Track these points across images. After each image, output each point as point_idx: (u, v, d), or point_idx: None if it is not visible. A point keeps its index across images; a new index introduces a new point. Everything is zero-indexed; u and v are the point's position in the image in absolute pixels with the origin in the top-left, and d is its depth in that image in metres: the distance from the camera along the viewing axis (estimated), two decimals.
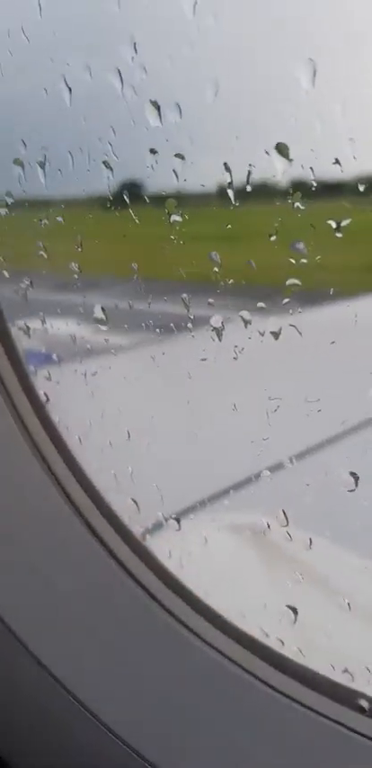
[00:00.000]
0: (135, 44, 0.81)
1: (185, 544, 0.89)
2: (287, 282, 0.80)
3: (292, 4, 0.85)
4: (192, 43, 0.79)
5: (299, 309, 0.82)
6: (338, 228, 0.80)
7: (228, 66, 0.83)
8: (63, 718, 0.66)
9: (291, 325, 0.81)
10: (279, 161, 0.83)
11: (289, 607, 0.80)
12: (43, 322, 0.88)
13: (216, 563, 1.04)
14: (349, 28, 0.86)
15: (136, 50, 0.83)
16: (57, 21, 0.91)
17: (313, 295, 0.81)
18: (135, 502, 0.83)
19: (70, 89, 0.87)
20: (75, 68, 0.85)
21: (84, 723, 0.63)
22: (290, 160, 0.81)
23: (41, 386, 0.86)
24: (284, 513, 0.85)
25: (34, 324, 0.87)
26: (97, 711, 0.63)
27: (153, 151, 0.85)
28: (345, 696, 0.70)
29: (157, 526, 0.86)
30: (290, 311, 0.81)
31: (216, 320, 0.82)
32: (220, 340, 0.83)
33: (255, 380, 0.94)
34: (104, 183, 0.86)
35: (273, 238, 0.82)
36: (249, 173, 0.83)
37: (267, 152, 0.82)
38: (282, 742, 0.66)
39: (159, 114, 0.85)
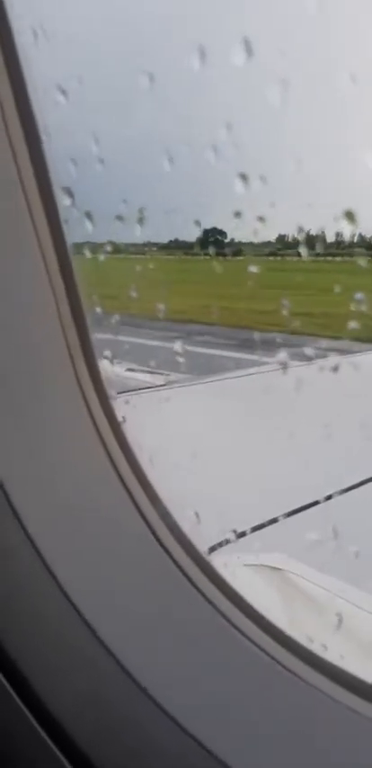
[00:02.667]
0: (229, 125, 0.97)
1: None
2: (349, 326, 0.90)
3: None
4: (278, 127, 0.93)
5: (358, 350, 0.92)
6: None
7: (308, 146, 0.97)
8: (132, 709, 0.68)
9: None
10: (346, 226, 0.95)
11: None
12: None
13: None
14: None
15: (230, 130, 0.98)
16: (161, 101, 1.08)
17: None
18: (196, 515, 0.92)
19: (171, 158, 1.02)
20: (174, 141, 1.01)
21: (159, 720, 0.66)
22: (356, 225, 0.94)
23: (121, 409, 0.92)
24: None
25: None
26: (170, 709, 0.67)
27: (237, 214, 0.99)
28: None
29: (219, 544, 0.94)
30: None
31: (282, 357, 0.92)
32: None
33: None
34: (192, 236, 0.99)
35: (337, 290, 0.93)
36: (315, 234, 0.95)
37: (334, 218, 0.95)
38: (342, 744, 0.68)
39: (245, 183, 0.99)
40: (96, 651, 0.70)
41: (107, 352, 1.04)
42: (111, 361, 1.05)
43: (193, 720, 0.66)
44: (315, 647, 0.82)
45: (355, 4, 1.15)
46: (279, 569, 1.21)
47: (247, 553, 1.26)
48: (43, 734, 0.68)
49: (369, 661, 1.07)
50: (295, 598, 1.16)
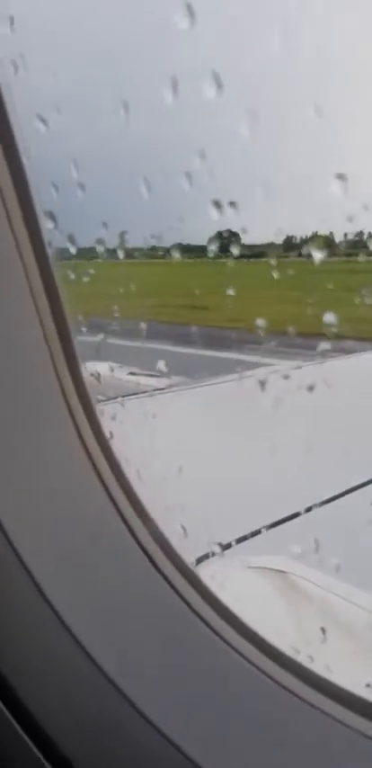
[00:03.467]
0: (203, 153, 1.01)
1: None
2: None
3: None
4: (248, 156, 0.98)
5: None
6: None
7: (277, 174, 1.02)
8: (114, 717, 0.69)
9: None
10: (315, 251, 1.01)
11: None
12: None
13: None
14: None
15: (204, 158, 1.02)
16: (137, 129, 1.12)
17: None
18: (183, 528, 0.94)
19: (149, 185, 1.06)
20: (152, 169, 1.04)
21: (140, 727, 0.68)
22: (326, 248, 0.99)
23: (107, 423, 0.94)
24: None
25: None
26: (151, 716, 0.68)
27: (211, 240, 1.03)
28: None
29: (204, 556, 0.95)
30: None
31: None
32: None
33: None
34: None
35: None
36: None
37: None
38: (317, 753, 0.69)
39: (219, 210, 1.04)
40: (82, 663, 0.70)
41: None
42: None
43: (179, 730, 0.67)
44: (302, 658, 0.83)
45: (319, 41, 1.21)
46: (283, 572, 1.23)
47: (251, 556, 1.28)
48: (29, 742, 0.68)
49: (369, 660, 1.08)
50: (298, 600, 1.18)
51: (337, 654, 1.03)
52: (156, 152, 1.11)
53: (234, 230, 1.11)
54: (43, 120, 0.92)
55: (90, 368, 1.03)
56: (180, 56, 1.06)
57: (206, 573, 0.96)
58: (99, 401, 0.88)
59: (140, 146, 1.12)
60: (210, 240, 1.08)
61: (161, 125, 1.14)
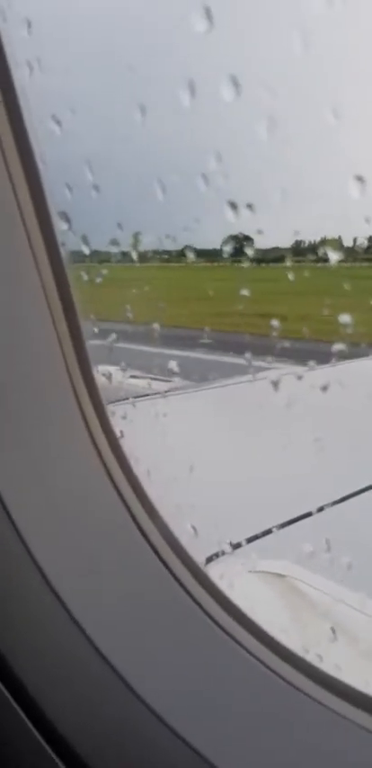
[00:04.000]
0: (219, 155, 1.01)
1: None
2: None
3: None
4: (265, 158, 0.98)
5: None
6: None
7: (294, 177, 1.01)
8: (128, 717, 0.69)
9: None
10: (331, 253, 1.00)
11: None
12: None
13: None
14: None
15: (220, 160, 1.02)
16: (153, 132, 1.12)
17: None
18: (193, 528, 0.94)
19: (163, 187, 1.06)
20: (166, 170, 1.04)
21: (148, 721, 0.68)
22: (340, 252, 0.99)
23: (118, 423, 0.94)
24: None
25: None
26: (162, 714, 0.68)
27: (226, 241, 1.02)
28: None
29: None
30: None
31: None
32: None
33: None
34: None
35: None
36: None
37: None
38: (321, 746, 0.69)
39: (235, 211, 1.03)
40: (94, 661, 0.71)
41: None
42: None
43: (190, 729, 0.67)
44: (311, 657, 0.83)
45: (338, 46, 1.21)
46: (283, 576, 1.23)
47: (251, 560, 1.27)
48: (42, 740, 0.68)
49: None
50: (299, 605, 1.17)
51: (340, 657, 1.02)
52: (172, 154, 1.11)
53: (247, 234, 1.11)
54: (58, 122, 0.93)
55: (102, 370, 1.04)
56: (197, 58, 1.06)
57: (215, 572, 0.96)
58: (111, 402, 0.88)
59: (156, 148, 1.12)
60: (224, 242, 1.08)
61: (177, 128, 1.14)
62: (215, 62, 1.06)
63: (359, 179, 1.05)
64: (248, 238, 1.09)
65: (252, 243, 1.08)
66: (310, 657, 0.84)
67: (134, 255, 1.06)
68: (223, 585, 0.86)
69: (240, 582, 1.11)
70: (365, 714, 0.72)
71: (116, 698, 0.70)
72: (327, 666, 0.82)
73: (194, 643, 0.80)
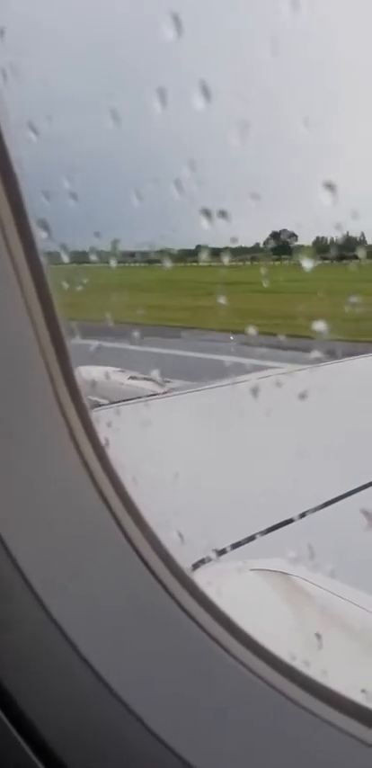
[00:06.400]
0: (192, 163, 1.02)
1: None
2: None
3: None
4: (238, 164, 0.99)
5: None
6: None
7: (267, 184, 1.03)
8: (112, 723, 0.69)
9: None
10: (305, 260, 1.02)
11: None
12: None
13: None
14: None
15: (193, 167, 1.03)
16: (127, 138, 1.12)
17: None
18: (180, 535, 0.94)
19: (139, 194, 1.07)
20: (143, 180, 1.05)
21: (131, 727, 0.68)
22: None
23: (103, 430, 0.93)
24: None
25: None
26: (144, 716, 0.68)
27: (201, 248, 1.03)
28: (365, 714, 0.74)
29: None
30: None
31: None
32: None
33: None
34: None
35: None
36: None
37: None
38: (308, 755, 0.70)
39: (209, 218, 1.04)
40: (77, 666, 0.70)
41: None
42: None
43: (174, 734, 0.67)
44: (297, 664, 0.82)
45: (306, 50, 1.23)
46: (286, 574, 1.23)
47: (252, 559, 1.28)
48: (23, 743, 0.68)
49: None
50: (301, 602, 1.18)
51: (339, 655, 1.03)
52: (147, 161, 1.12)
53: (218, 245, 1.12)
54: (34, 129, 0.93)
55: (85, 372, 1.02)
56: (169, 66, 1.07)
57: (202, 578, 0.96)
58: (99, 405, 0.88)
59: (131, 155, 1.12)
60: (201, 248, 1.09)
61: (151, 135, 1.15)
62: (185, 69, 1.07)
63: (329, 186, 1.08)
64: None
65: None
66: (297, 663, 0.84)
67: (113, 263, 1.06)
68: (210, 591, 0.86)
69: (240, 581, 1.12)
70: (351, 720, 0.72)
71: (99, 703, 0.70)
72: (314, 672, 0.80)
73: (180, 649, 0.80)
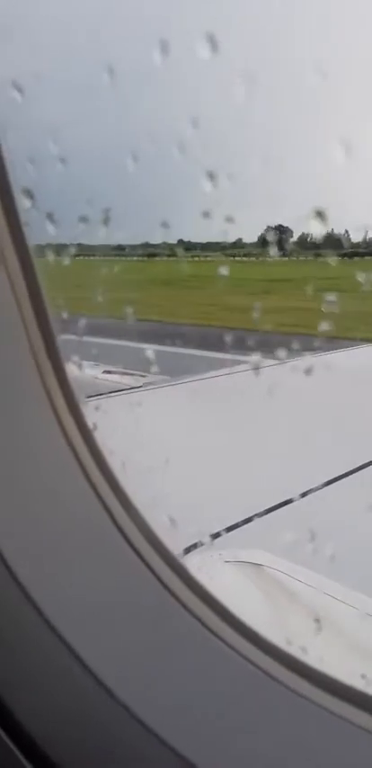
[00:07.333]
0: (195, 121, 0.93)
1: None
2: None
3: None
4: (245, 123, 0.91)
5: None
6: None
7: (277, 143, 0.94)
8: (106, 721, 0.69)
9: None
10: (317, 225, 0.93)
11: None
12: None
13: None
14: None
15: (196, 127, 0.94)
16: (123, 96, 1.04)
17: None
18: (171, 519, 0.90)
19: (135, 156, 0.98)
20: (138, 138, 0.97)
21: (128, 726, 0.66)
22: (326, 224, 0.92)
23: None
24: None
25: None
26: (135, 709, 0.67)
27: (206, 215, 0.95)
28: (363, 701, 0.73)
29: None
30: None
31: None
32: None
33: None
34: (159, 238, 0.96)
35: None
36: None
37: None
38: (307, 743, 0.68)
39: (213, 182, 0.96)
40: (66, 658, 0.68)
41: None
42: None
43: (168, 725, 0.66)
44: (293, 650, 0.81)
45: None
46: (260, 566, 1.20)
47: (227, 550, 1.24)
48: (8, 740, 0.66)
49: (351, 654, 1.06)
50: (276, 594, 1.15)
51: (319, 647, 1.00)
52: (144, 121, 1.03)
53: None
54: (19, 89, 0.85)
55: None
56: (169, 18, 0.98)
57: (193, 563, 0.94)
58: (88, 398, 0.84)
59: (127, 113, 1.04)
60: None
61: (149, 90, 1.06)
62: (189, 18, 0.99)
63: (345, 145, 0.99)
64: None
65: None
66: (292, 650, 0.82)
67: (103, 233, 0.99)
68: (201, 577, 0.83)
69: (215, 573, 1.08)
70: (350, 707, 0.70)
71: (86, 692, 0.68)
72: (311, 659, 0.80)
73: (172, 637, 0.77)
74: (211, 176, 0.97)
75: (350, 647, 1.10)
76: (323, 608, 1.15)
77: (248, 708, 0.72)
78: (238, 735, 0.68)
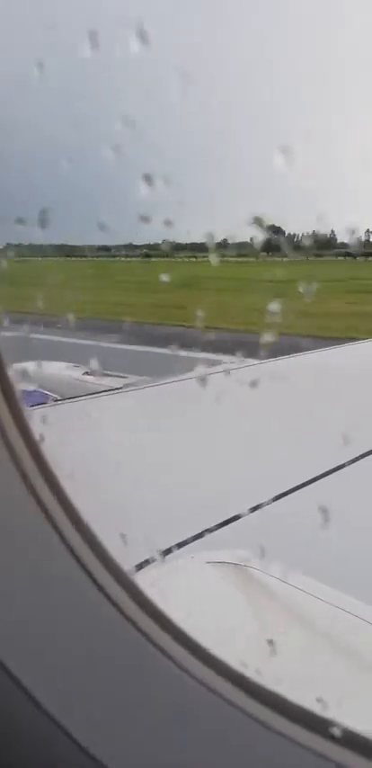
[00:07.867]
0: (127, 119, 0.90)
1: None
2: None
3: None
4: (179, 122, 0.89)
5: None
6: None
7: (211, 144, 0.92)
8: (47, 743, 0.67)
9: None
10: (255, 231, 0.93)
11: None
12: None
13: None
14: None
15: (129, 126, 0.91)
16: (53, 91, 1.00)
17: None
18: (122, 535, 0.88)
19: (69, 157, 0.95)
20: (71, 137, 0.93)
21: (69, 749, 0.66)
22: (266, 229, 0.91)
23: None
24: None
25: None
26: (76, 733, 0.66)
27: (144, 219, 0.93)
28: (318, 724, 0.74)
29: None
30: None
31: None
32: None
33: None
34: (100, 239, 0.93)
35: None
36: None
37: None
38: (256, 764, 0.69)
39: (149, 185, 0.93)
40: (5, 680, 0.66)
41: None
42: None
43: (109, 753, 0.65)
44: (249, 672, 0.80)
45: None
46: (242, 566, 1.20)
47: (209, 551, 1.23)
48: None
49: (332, 653, 1.07)
50: (257, 595, 1.15)
51: (297, 648, 1.01)
52: (76, 113, 0.99)
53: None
54: None
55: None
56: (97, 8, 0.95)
57: (145, 580, 0.92)
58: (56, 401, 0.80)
59: (58, 107, 0.99)
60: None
61: (79, 83, 1.02)
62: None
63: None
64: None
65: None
66: (247, 672, 0.82)
67: (40, 233, 0.94)
68: (152, 594, 0.81)
69: (196, 575, 1.07)
70: (300, 728, 0.70)
71: (19, 708, 0.66)
72: (267, 680, 0.77)
73: (122, 659, 0.76)
74: (147, 179, 0.94)
75: (330, 645, 1.10)
76: (303, 605, 1.16)
77: (193, 727, 0.71)
78: (178, 750, 0.67)
